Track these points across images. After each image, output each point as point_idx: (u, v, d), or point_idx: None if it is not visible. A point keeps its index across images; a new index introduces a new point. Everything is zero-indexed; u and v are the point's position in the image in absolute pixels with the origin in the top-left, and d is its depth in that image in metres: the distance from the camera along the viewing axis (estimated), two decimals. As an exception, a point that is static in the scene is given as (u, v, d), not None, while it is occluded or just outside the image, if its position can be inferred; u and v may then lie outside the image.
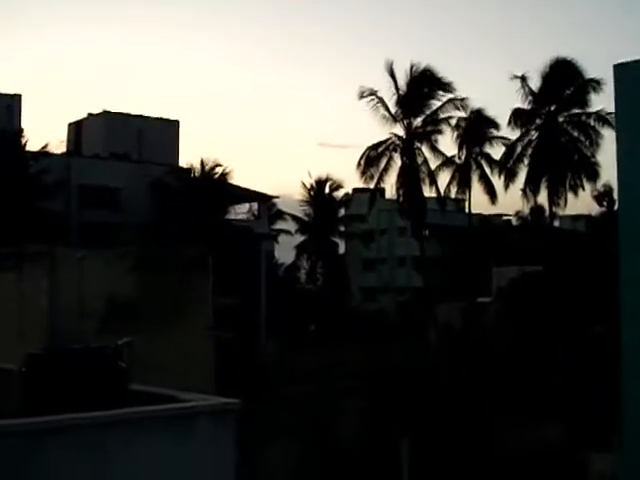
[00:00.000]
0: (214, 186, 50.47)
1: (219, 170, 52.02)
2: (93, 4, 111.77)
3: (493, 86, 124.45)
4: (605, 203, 62.02)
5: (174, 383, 11.04)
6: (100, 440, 8.05)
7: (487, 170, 60.84)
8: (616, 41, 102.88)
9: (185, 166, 53.57)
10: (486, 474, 26.55)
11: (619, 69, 9.03)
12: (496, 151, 60.98)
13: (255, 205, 59.84)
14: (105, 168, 49.91)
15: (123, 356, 9.44)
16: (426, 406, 29.87)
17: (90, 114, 55.86)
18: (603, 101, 55.42)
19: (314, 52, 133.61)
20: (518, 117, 57.84)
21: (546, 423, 28.82)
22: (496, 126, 60.36)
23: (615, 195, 57.87)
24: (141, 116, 54.67)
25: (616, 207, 57.23)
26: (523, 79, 56.94)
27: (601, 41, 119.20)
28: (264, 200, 59.27)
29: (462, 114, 59.92)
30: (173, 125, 56.22)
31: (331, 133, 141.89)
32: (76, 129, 56.25)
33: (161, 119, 55.59)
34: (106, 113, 54.44)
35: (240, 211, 58.65)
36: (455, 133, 60.66)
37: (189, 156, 70.96)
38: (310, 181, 68.87)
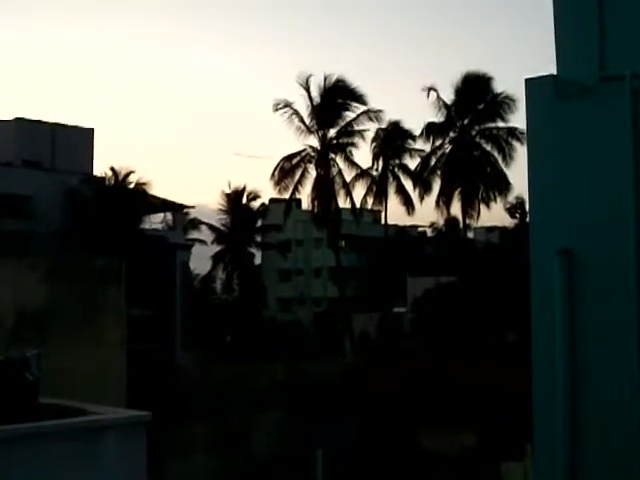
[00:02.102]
0: (128, 195, 49.90)
1: (133, 179, 51.52)
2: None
3: (409, 98, 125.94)
4: (517, 215, 63.23)
5: (85, 395, 10.82)
6: (5, 455, 7.83)
7: (404, 182, 61.50)
8: (527, 56, 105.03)
9: (99, 175, 52.88)
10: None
11: (530, 83, 9.18)
12: (413, 163, 61.75)
13: (170, 215, 59.28)
14: (17, 176, 48.84)
15: (31, 368, 9.20)
16: (343, 417, 29.93)
17: (1, 120, 54.62)
18: (515, 116, 56.63)
19: (230, 61, 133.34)
20: (432, 130, 58.66)
21: (461, 432, 29.14)
22: (413, 138, 61.09)
23: (527, 207, 59.07)
24: (54, 123, 53.68)
25: (527, 219, 58.38)
26: (433, 90, 57.73)
27: (514, 56, 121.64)
28: (179, 209, 58.78)
29: (377, 126, 60.50)
30: (87, 133, 55.32)
31: (247, 143, 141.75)
32: (-14, 136, 54.91)
33: (75, 127, 54.64)
34: (18, 120, 53.29)
35: (154, 221, 58.05)
36: (372, 145, 61.22)
37: (104, 165, 69.99)
38: (227, 191, 68.66)
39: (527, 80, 9.20)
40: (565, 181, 8.95)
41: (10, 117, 54.12)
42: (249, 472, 26.74)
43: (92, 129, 56.17)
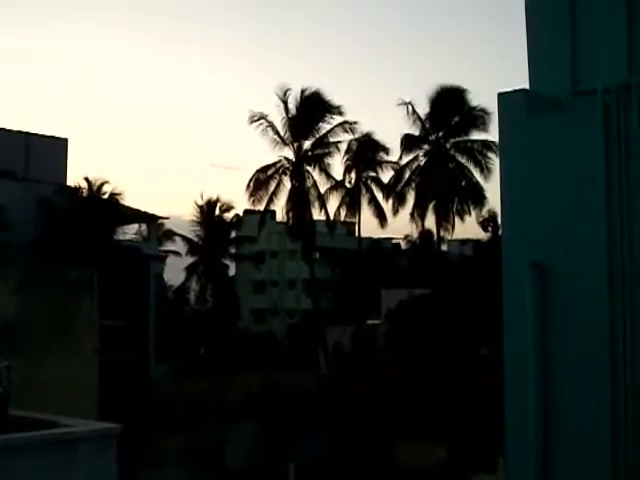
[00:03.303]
0: (102, 206, 49.67)
1: (107, 189, 51.30)
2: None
3: (382, 111, 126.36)
4: (490, 228, 63.44)
5: (57, 407, 10.75)
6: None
7: (377, 194, 61.56)
8: (501, 70, 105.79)
9: (73, 185, 52.59)
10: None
11: (503, 97, 9.24)
12: (386, 175, 61.81)
13: (144, 225, 59.05)
14: (-11, 185, 48.51)
15: (1, 379, 9.14)
16: (317, 429, 29.88)
17: (-26, 130, 54.21)
18: (490, 129, 56.88)
19: (207, 72, 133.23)
20: (407, 142, 58.81)
21: (434, 444, 29.15)
22: (385, 150, 61.22)
23: (499, 221, 59.33)
24: (28, 132, 53.33)
25: (500, 232, 58.65)
26: (411, 105, 58.00)
27: (489, 69, 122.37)
28: (153, 220, 58.57)
29: (352, 137, 60.57)
30: (61, 143, 55.02)
31: (223, 154, 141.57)
32: (-42, 145, 54.45)
33: (49, 136, 54.32)
34: (-10, 129, 52.91)
35: (129, 231, 57.81)
36: (345, 157, 61.26)
37: (78, 175, 69.62)
38: (201, 202, 68.47)
39: (500, 94, 9.26)
40: (537, 195, 9.01)
41: (-18, 126, 53.73)
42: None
43: (66, 139, 55.88)
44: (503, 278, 9.15)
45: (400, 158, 59.50)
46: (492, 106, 53.92)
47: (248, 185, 59.24)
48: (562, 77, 9.17)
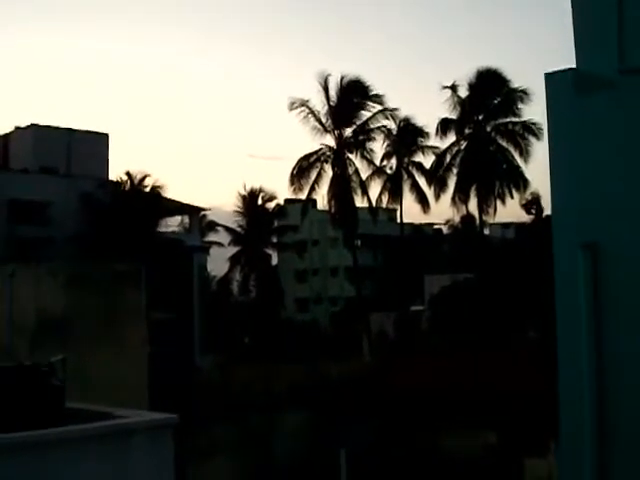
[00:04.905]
0: (144, 199, 50.10)
1: (149, 182, 51.76)
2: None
3: (422, 96, 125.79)
4: (533, 211, 62.92)
5: (108, 399, 10.87)
6: (36, 459, 7.86)
7: (419, 179, 61.34)
8: (545, 50, 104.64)
9: (116, 179, 53.14)
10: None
11: (550, 78, 9.10)
12: (427, 160, 61.56)
13: (186, 217, 59.49)
14: (34, 182, 49.20)
15: (57, 373, 9.25)
16: (364, 416, 29.91)
17: (17, 127, 54.96)
18: (532, 110, 56.34)
19: (245, 62, 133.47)
20: (446, 126, 58.47)
21: (484, 429, 29.06)
22: (426, 135, 60.93)
23: (543, 203, 58.97)
24: (70, 129, 53.91)
25: (544, 215, 58.29)
26: (453, 89, 57.59)
27: (530, 50, 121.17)
28: (195, 212, 58.97)
29: (392, 124, 60.44)
30: (103, 138, 55.59)
31: (262, 144, 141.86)
32: (3, 143, 55.26)
33: (90, 132, 54.90)
34: (34, 126, 53.61)
35: (171, 224, 58.28)
36: (384, 143, 61.12)
37: (120, 169, 70.01)
38: (243, 192, 68.78)
39: (547, 74, 9.12)
40: (587, 175, 8.89)
41: (26, 123, 54.45)
42: (274, 473, 26.76)
43: (107, 134, 56.49)
44: (554, 260, 9.01)
45: (445, 141, 59.12)
46: (532, 87, 53.52)
47: (291, 173, 59.35)
48: (610, 55, 9.01)
